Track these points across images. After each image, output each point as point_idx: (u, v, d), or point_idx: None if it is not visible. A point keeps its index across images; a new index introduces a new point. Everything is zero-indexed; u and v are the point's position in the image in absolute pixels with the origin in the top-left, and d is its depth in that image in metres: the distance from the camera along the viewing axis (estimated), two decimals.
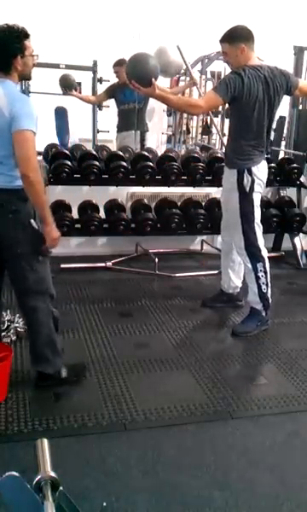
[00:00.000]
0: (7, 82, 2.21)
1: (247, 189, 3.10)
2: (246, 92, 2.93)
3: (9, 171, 2.23)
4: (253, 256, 3.14)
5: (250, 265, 3.16)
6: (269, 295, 3.20)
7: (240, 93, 2.93)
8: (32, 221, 2.29)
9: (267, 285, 3.17)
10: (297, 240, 4.66)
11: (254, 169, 3.09)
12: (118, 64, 5.17)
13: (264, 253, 3.17)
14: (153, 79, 2.93)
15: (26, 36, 2.24)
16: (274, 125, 7.69)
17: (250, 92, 2.93)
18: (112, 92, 5.41)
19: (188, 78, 7.21)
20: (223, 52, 3.08)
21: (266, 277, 3.16)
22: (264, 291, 3.17)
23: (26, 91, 6.00)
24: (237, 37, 2.97)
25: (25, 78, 2.35)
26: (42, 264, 2.36)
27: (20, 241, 2.28)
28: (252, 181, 3.09)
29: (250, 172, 3.08)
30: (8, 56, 2.21)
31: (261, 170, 3.13)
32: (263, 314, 3.22)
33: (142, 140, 5.58)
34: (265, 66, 3.01)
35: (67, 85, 5.28)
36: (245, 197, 3.11)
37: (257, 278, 3.15)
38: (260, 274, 3.14)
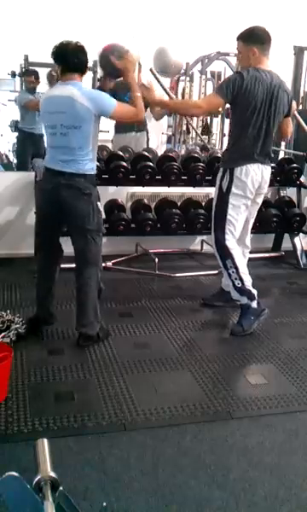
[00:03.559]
0: (79, 83, 2.70)
1: (224, 188, 3.13)
2: (244, 92, 2.93)
3: (83, 158, 2.72)
4: (222, 254, 3.21)
5: (221, 263, 3.22)
6: (247, 287, 3.19)
7: (239, 92, 2.94)
8: (99, 203, 2.82)
9: (241, 279, 3.18)
10: (297, 240, 4.66)
11: (237, 170, 3.09)
12: None
13: (234, 251, 3.19)
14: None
15: None
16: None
17: (248, 92, 2.93)
18: (111, 92, 5.38)
19: (187, 79, 7.25)
20: (237, 49, 3.11)
21: (237, 272, 3.17)
22: (239, 285, 3.19)
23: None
24: (252, 39, 2.99)
25: None
26: (101, 238, 2.87)
27: (90, 219, 2.76)
28: (230, 181, 3.10)
29: (231, 173, 3.10)
30: (87, 62, 2.78)
31: (247, 173, 3.09)
32: (253, 306, 3.20)
33: (148, 140, 5.55)
34: (275, 74, 3.02)
35: None
36: (221, 196, 3.17)
37: (229, 275, 3.20)
38: (230, 270, 3.19)
